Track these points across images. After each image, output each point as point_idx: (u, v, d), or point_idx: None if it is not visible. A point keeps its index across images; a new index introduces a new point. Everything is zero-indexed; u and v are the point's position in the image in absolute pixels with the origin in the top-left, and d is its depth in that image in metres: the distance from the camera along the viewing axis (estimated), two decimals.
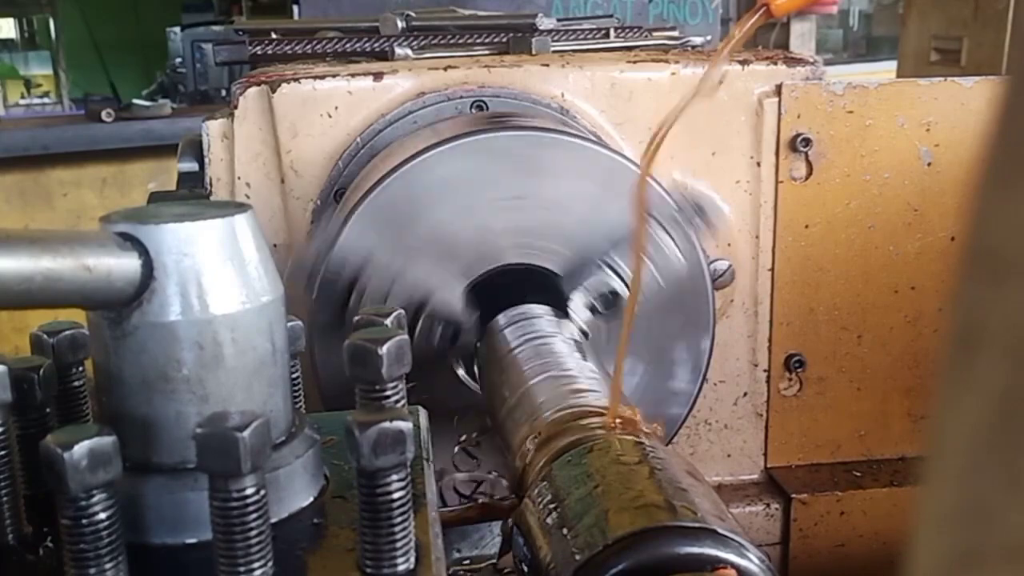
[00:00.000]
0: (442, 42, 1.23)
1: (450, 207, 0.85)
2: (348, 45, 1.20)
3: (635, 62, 1.08)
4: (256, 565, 0.44)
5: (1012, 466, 0.19)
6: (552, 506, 0.57)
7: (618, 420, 0.64)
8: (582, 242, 0.88)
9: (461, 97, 1.05)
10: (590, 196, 0.88)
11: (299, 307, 0.70)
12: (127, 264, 0.47)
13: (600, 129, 1.05)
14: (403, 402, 0.53)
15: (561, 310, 0.88)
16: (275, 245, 1.04)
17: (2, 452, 0.49)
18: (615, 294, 0.87)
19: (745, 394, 1.14)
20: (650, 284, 0.88)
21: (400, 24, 1.26)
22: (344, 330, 0.68)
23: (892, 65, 3.77)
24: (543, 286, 0.88)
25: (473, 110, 1.04)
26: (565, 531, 0.54)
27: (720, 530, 0.50)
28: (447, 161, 0.85)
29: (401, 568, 0.46)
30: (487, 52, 1.19)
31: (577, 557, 0.51)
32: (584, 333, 0.86)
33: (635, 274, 0.67)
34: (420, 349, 0.84)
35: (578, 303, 0.86)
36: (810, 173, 1.08)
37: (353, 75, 1.05)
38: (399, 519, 0.45)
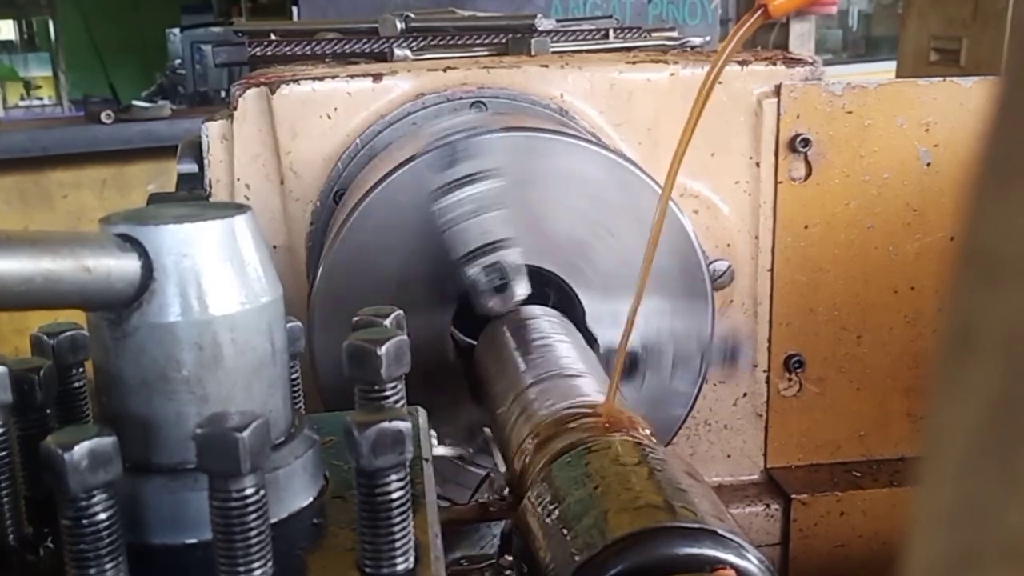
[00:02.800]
0: (441, 43, 1.23)
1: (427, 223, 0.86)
2: (347, 46, 1.20)
3: (634, 63, 1.08)
4: (256, 565, 0.44)
5: (1008, 466, 0.19)
6: (552, 507, 0.57)
7: (607, 422, 0.64)
8: (571, 238, 0.88)
9: (460, 98, 1.05)
10: (581, 192, 0.88)
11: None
12: (127, 265, 0.47)
13: (599, 130, 1.05)
14: (402, 402, 0.54)
15: (559, 309, 0.88)
16: (275, 246, 1.04)
17: (2, 453, 0.50)
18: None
19: (745, 394, 1.14)
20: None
21: (399, 25, 1.26)
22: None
23: (891, 65, 3.77)
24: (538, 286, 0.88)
25: (473, 111, 1.04)
26: (565, 531, 0.54)
27: (719, 531, 0.51)
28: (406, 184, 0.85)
29: (400, 568, 0.46)
30: (486, 53, 1.19)
31: (577, 558, 0.51)
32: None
33: (641, 282, 0.67)
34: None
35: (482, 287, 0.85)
36: (809, 173, 1.08)
37: (352, 76, 1.05)
38: (398, 519, 0.46)
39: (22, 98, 6.00)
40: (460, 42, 1.23)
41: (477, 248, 0.83)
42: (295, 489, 0.52)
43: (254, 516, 0.43)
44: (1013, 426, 0.19)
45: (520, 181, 0.87)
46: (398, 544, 0.46)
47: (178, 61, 4.31)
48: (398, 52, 1.16)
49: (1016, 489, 0.19)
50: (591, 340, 0.88)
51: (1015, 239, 0.19)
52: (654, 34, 1.32)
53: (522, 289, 0.84)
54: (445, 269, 0.87)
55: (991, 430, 0.19)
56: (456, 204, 0.83)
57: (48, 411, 0.55)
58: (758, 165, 1.08)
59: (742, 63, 1.07)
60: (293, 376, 0.60)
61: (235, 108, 1.04)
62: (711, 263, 0.95)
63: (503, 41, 1.20)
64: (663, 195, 0.68)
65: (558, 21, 1.41)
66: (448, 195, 0.83)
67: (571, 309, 0.90)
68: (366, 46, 1.20)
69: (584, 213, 0.89)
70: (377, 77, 1.05)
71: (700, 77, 1.05)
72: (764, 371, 1.13)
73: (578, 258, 0.89)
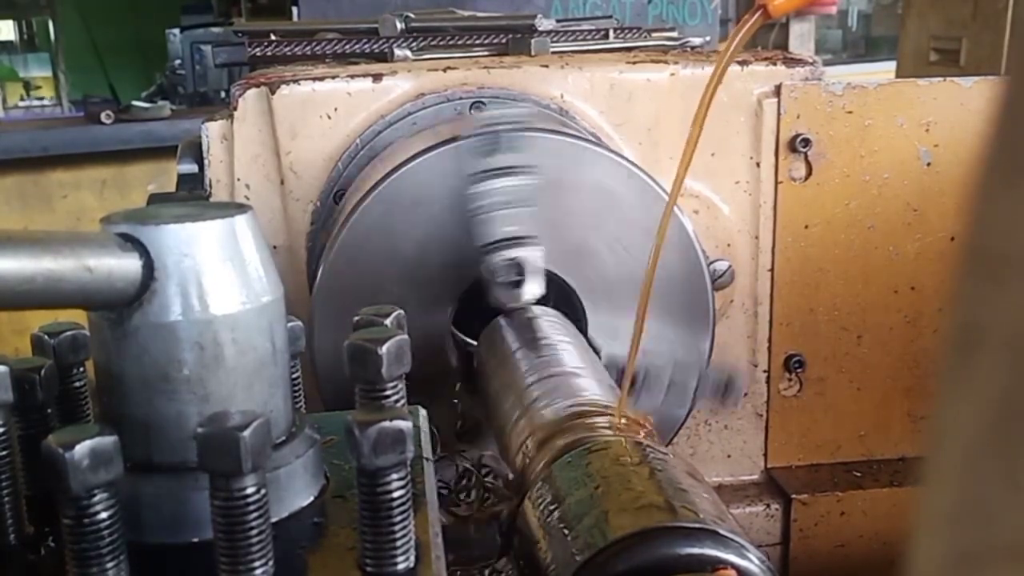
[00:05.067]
0: (441, 43, 1.23)
1: (435, 218, 0.86)
2: (347, 47, 1.20)
3: (634, 63, 1.08)
4: (257, 564, 0.44)
5: (1012, 466, 0.19)
6: (552, 507, 0.57)
7: (623, 420, 0.64)
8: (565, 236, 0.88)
9: (460, 98, 1.05)
10: (601, 203, 0.88)
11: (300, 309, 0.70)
12: (128, 265, 0.47)
13: (599, 130, 1.05)
14: (403, 402, 0.54)
15: (559, 309, 0.88)
16: (275, 246, 1.04)
17: (3, 453, 0.50)
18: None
19: (745, 394, 1.14)
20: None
21: (399, 25, 1.26)
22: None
23: (891, 65, 3.77)
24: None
25: (472, 111, 1.04)
26: (565, 531, 0.54)
27: (720, 531, 0.50)
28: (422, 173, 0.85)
29: (401, 567, 0.46)
30: (486, 53, 1.19)
31: (577, 558, 0.51)
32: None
33: (648, 277, 0.67)
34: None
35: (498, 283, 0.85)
36: (810, 173, 1.08)
37: (352, 76, 1.05)
38: (399, 518, 0.46)
39: (22, 98, 6.00)
40: (460, 42, 1.23)
41: (501, 240, 0.83)
42: (296, 488, 0.52)
43: (255, 515, 0.43)
44: (1018, 425, 0.19)
45: (549, 183, 0.87)
46: (399, 543, 0.46)
47: (178, 61, 4.30)
48: (398, 52, 1.16)
49: (1020, 489, 0.19)
50: (593, 351, 0.88)
51: (1020, 238, 0.19)
52: (654, 34, 1.32)
53: (536, 289, 0.84)
54: (446, 268, 0.87)
55: (995, 429, 0.19)
56: (490, 192, 0.83)
57: (49, 411, 0.55)
58: (758, 165, 1.08)
59: (742, 63, 1.07)
60: (294, 376, 0.60)
61: (235, 108, 1.04)
62: (711, 263, 0.95)
63: (503, 41, 1.20)
64: (666, 209, 0.68)
65: (558, 21, 1.40)
66: (484, 183, 0.83)
67: (574, 317, 0.89)
68: (366, 46, 1.20)
69: (600, 223, 0.89)
70: (377, 77, 1.05)
71: (700, 77, 1.06)
72: (764, 371, 1.13)
73: (588, 267, 0.89)
